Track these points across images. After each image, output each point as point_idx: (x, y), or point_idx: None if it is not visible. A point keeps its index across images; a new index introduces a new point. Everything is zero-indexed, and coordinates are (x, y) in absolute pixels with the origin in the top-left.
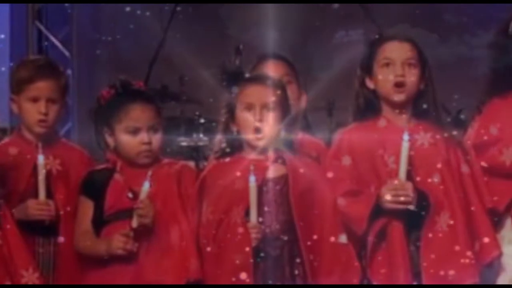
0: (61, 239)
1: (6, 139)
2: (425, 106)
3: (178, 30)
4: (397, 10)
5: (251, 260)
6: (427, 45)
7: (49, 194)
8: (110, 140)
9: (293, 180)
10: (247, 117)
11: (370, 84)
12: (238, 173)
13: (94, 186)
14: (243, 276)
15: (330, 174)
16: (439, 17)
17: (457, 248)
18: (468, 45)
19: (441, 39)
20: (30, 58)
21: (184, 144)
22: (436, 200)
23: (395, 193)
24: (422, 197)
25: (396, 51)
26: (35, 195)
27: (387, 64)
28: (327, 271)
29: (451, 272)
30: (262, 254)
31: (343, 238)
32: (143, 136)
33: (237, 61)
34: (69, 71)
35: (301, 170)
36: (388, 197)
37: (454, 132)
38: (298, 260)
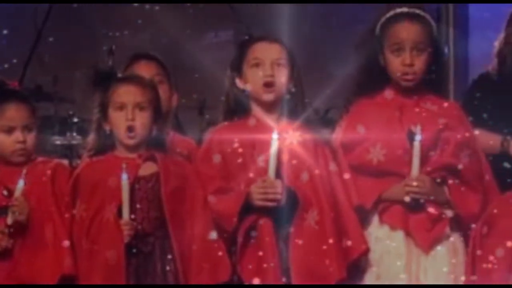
0: None
1: None
2: (294, 105)
3: (52, 30)
4: None
5: (124, 256)
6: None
7: None
8: None
9: (164, 178)
10: (119, 117)
11: (240, 84)
12: (111, 171)
13: None
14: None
15: (201, 172)
16: None
17: (325, 244)
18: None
19: None
20: None
21: (58, 143)
22: (305, 198)
23: (264, 191)
24: (291, 195)
25: (266, 52)
26: None
27: (257, 64)
28: (197, 267)
29: (319, 268)
30: (134, 250)
31: (213, 235)
32: (18, 135)
33: (109, 61)
34: None
35: (172, 168)
36: (257, 194)
37: (323, 131)
38: (169, 256)
